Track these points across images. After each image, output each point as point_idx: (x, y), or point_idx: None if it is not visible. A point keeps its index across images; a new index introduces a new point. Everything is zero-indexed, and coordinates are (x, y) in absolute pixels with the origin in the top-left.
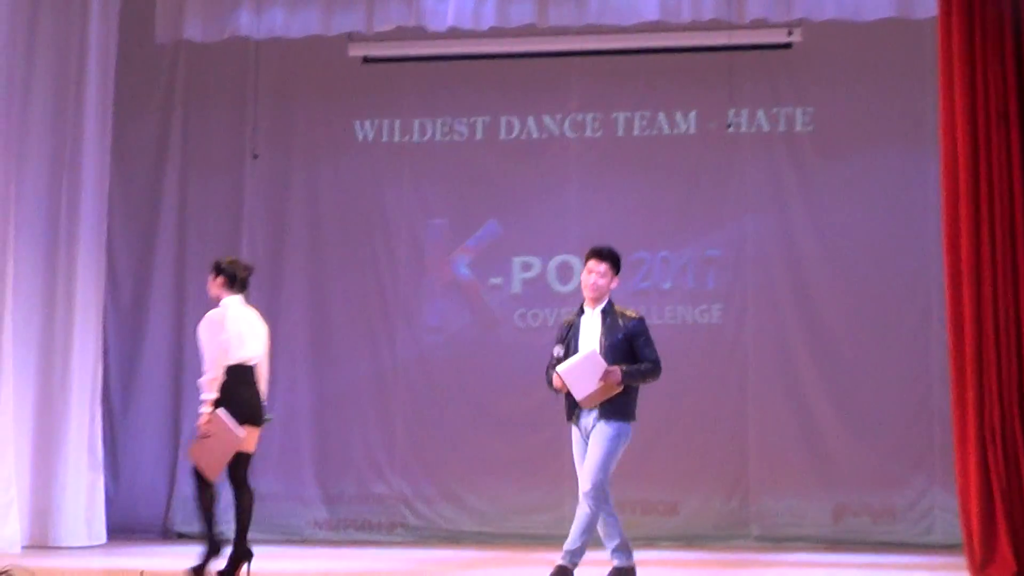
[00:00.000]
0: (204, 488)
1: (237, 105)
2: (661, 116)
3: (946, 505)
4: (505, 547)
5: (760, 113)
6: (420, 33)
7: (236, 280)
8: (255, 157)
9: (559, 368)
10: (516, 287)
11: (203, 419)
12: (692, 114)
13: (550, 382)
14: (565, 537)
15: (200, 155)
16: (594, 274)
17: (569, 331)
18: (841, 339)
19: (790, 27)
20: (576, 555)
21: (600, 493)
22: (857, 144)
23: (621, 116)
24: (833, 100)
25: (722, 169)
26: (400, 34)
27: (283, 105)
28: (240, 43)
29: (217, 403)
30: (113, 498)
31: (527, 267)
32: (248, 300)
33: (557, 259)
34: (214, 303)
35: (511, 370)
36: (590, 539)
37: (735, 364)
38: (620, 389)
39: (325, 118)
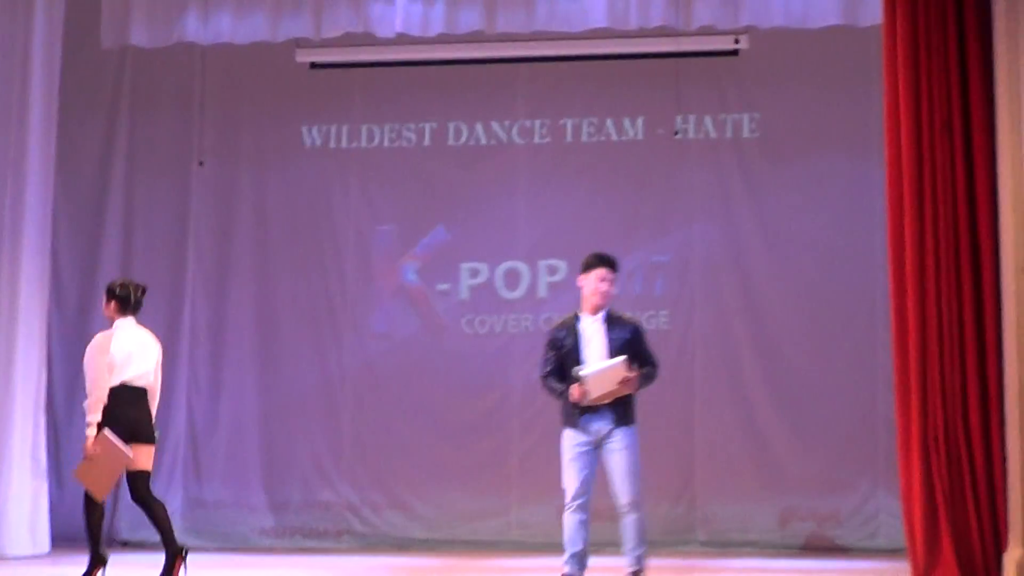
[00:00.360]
0: (91, 507)
1: (183, 110)
2: (609, 122)
3: (891, 510)
4: (453, 554)
5: (707, 119)
6: (368, 39)
7: (129, 303)
8: (201, 164)
9: (584, 373)
10: (464, 293)
11: (89, 441)
12: (640, 120)
13: (552, 389)
14: (513, 543)
15: (146, 160)
16: (605, 282)
17: (567, 338)
18: (788, 345)
19: (737, 34)
20: (642, 559)
21: (641, 499)
22: (804, 150)
23: (569, 122)
24: (780, 106)
25: (670, 175)
26: (348, 40)
27: (230, 111)
28: (187, 48)
29: (106, 423)
30: (57, 506)
31: (475, 273)
32: (142, 320)
33: (505, 265)
34: (159, 308)
35: (459, 377)
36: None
37: (682, 370)
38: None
39: (272, 124)
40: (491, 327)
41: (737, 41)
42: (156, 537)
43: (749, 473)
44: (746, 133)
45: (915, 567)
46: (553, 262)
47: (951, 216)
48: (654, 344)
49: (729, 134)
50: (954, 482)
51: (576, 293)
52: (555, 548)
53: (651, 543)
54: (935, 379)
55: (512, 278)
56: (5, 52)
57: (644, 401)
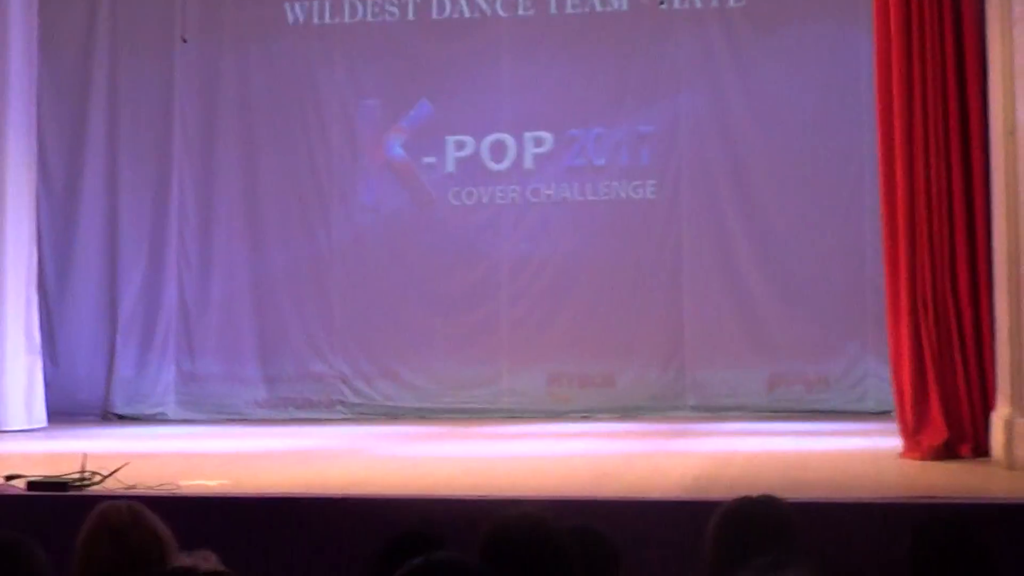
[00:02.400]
0: None
1: None
2: None
3: (879, 373)
4: (444, 422)
5: None
6: None
7: None
8: (184, 41)
9: None
10: (450, 166)
11: None
12: None
13: None
14: (503, 411)
15: (129, 38)
16: None
17: None
18: (775, 212)
19: None
20: None
21: None
22: (790, 18)
23: None
24: None
25: (655, 45)
26: None
27: None
28: None
29: None
30: (52, 382)
31: (460, 146)
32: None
33: (490, 138)
34: (147, 186)
35: (447, 248)
36: None
37: (670, 238)
38: None
39: (255, 1)
40: (478, 199)
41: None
42: (151, 410)
43: (737, 339)
44: (732, 2)
45: (904, 428)
46: (539, 134)
47: (939, 78)
48: (642, 214)
49: (715, 3)
50: (943, 344)
51: (562, 165)
52: (544, 415)
53: (641, 408)
54: (923, 243)
55: (498, 150)
56: None
57: (632, 270)
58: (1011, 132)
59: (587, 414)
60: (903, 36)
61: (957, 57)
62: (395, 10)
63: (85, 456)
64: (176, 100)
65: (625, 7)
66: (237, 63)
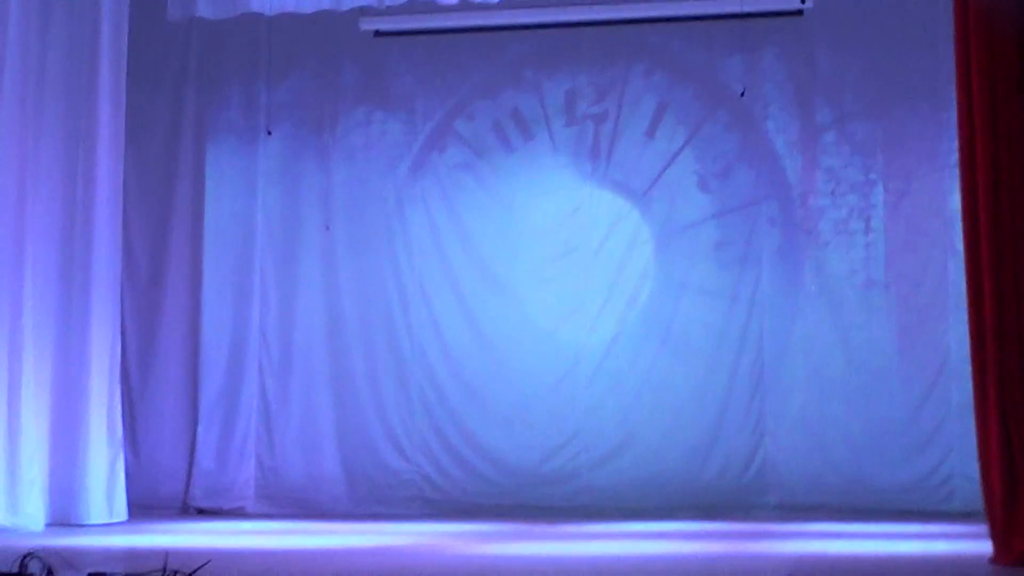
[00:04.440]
0: None
1: (250, 80)
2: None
3: (965, 472)
4: (522, 519)
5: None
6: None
7: None
8: (269, 134)
9: None
10: None
11: None
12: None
13: None
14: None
15: (214, 130)
16: None
17: None
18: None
19: None
20: None
21: None
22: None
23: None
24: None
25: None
26: (411, 8)
27: (295, 79)
28: (252, 19)
29: None
30: (133, 475)
31: None
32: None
33: None
34: (230, 278)
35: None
36: None
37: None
38: None
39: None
40: None
41: (803, 1)
42: (231, 504)
43: (820, 435)
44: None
45: (994, 531)
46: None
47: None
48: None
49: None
50: None
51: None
52: (622, 514)
53: (719, 506)
54: (1012, 339)
55: None
56: (74, 29)
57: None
58: None
59: (667, 512)
60: (989, 134)
61: None
62: None
63: (167, 555)
64: (259, 192)
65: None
66: (319, 155)
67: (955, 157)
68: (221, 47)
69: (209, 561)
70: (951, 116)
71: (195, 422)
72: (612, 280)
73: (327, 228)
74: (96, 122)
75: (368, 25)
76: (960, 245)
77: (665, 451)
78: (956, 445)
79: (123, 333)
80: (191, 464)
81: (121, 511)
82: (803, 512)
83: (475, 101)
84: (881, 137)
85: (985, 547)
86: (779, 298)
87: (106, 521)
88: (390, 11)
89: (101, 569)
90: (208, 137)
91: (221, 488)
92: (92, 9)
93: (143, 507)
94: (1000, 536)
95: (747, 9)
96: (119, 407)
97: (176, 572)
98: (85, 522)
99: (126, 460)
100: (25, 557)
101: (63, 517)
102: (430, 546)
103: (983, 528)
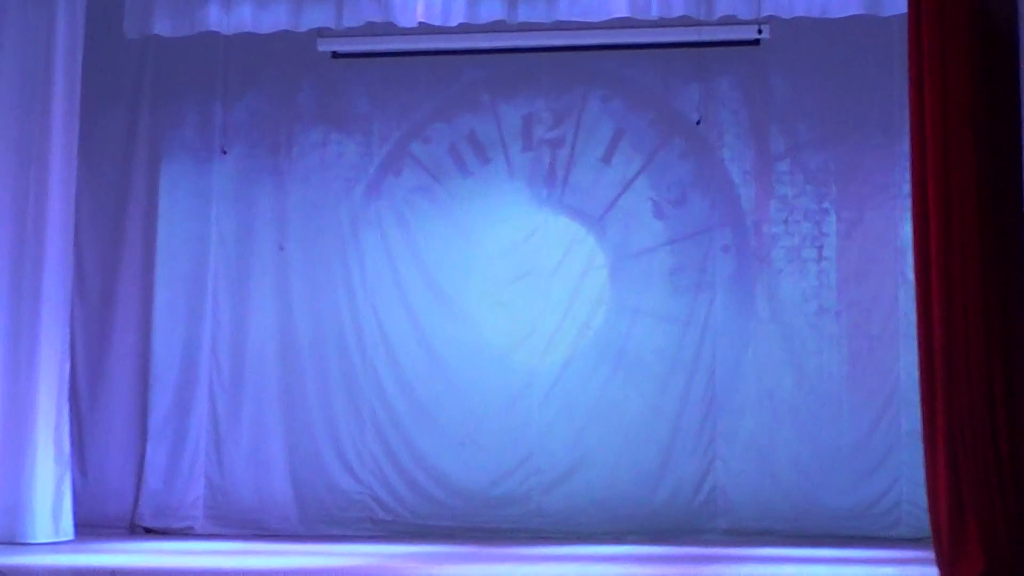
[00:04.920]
0: None
1: (206, 99)
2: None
3: (913, 499)
4: (473, 541)
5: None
6: (390, 28)
7: None
8: (224, 153)
9: None
10: None
11: None
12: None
13: None
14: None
15: (168, 149)
16: None
17: None
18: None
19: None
20: None
21: None
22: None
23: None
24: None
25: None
26: (369, 30)
27: (251, 99)
28: (209, 38)
29: None
30: (80, 493)
31: None
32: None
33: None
34: (182, 297)
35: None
36: None
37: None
38: None
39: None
40: None
41: (760, 31)
42: (179, 523)
43: (770, 461)
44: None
45: (940, 558)
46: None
47: (977, 221)
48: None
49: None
50: (979, 470)
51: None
52: (574, 536)
53: (670, 529)
54: (960, 366)
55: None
56: (28, 43)
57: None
58: None
59: (618, 536)
60: (940, 167)
61: (993, 189)
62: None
63: (114, 574)
64: (212, 209)
65: None
66: (274, 176)
67: (907, 187)
68: (177, 65)
69: None
70: (904, 147)
71: (144, 441)
72: (566, 304)
73: (281, 248)
74: (49, 138)
75: (325, 46)
76: (911, 274)
77: (616, 474)
78: (905, 472)
79: (73, 351)
80: (139, 483)
81: (68, 530)
82: (753, 536)
83: (432, 124)
84: (834, 167)
85: (932, 573)
86: (732, 324)
87: (52, 540)
88: (348, 33)
89: None
90: (162, 156)
91: (169, 507)
92: (47, 25)
93: (90, 526)
94: (947, 562)
95: (704, 38)
96: (67, 425)
97: None
98: (31, 540)
99: (73, 478)
100: None
101: (8, 535)
102: (380, 568)
103: (930, 554)
